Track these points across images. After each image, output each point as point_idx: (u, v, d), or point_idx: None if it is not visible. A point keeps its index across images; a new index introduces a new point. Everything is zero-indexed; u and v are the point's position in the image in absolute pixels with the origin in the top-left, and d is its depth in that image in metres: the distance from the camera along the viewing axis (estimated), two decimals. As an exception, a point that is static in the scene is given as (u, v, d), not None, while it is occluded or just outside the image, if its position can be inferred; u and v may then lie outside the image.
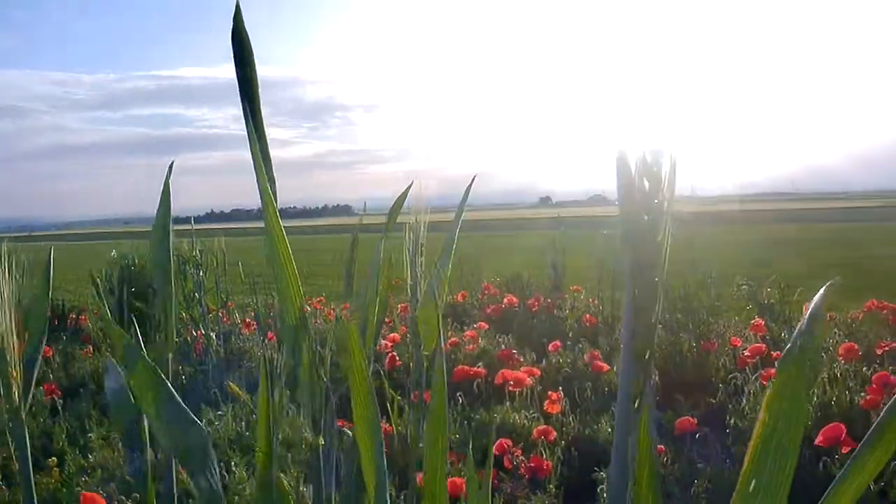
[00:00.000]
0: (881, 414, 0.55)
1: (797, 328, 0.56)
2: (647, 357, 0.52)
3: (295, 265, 0.84)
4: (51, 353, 4.94)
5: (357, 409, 0.82)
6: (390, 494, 0.98)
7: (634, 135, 0.53)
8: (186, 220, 5.84)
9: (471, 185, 1.20)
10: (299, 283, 0.85)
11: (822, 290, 0.59)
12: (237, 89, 0.83)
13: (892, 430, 0.54)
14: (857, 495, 0.56)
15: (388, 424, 1.50)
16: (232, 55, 0.81)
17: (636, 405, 0.52)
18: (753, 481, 0.52)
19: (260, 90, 0.83)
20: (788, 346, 0.54)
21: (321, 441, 1.01)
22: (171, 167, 1.00)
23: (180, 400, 0.89)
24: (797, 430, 0.53)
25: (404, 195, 1.10)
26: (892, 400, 0.56)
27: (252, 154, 0.81)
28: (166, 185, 0.99)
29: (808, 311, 0.56)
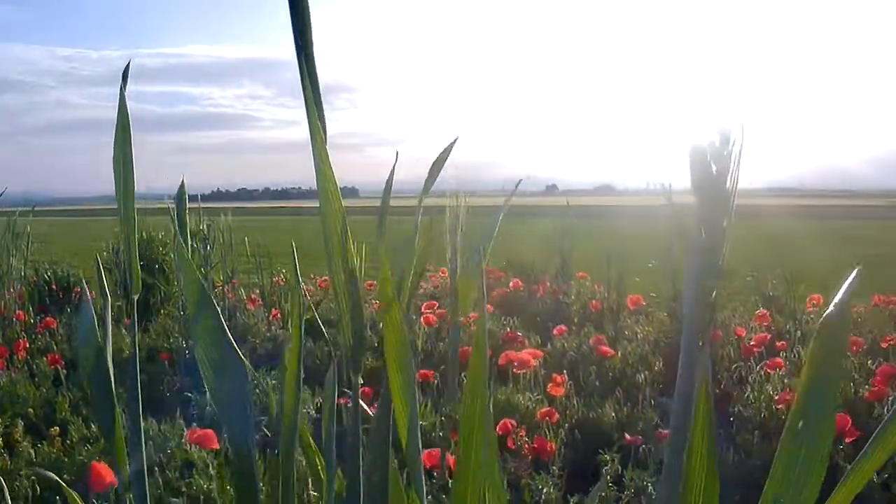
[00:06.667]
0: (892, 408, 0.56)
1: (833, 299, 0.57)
2: (712, 297, 0.55)
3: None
4: (55, 325, 4.98)
5: (391, 360, 0.82)
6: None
7: (698, 121, 0.56)
8: (194, 198, 5.83)
9: (518, 185, 1.24)
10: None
11: (853, 273, 0.60)
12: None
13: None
14: (860, 486, 0.57)
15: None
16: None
17: (701, 343, 0.55)
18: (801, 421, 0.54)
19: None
20: (827, 311, 0.55)
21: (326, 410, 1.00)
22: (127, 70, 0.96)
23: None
24: (836, 383, 0.54)
25: (438, 169, 1.04)
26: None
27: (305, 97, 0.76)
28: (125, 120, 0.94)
29: (843, 288, 0.58)
